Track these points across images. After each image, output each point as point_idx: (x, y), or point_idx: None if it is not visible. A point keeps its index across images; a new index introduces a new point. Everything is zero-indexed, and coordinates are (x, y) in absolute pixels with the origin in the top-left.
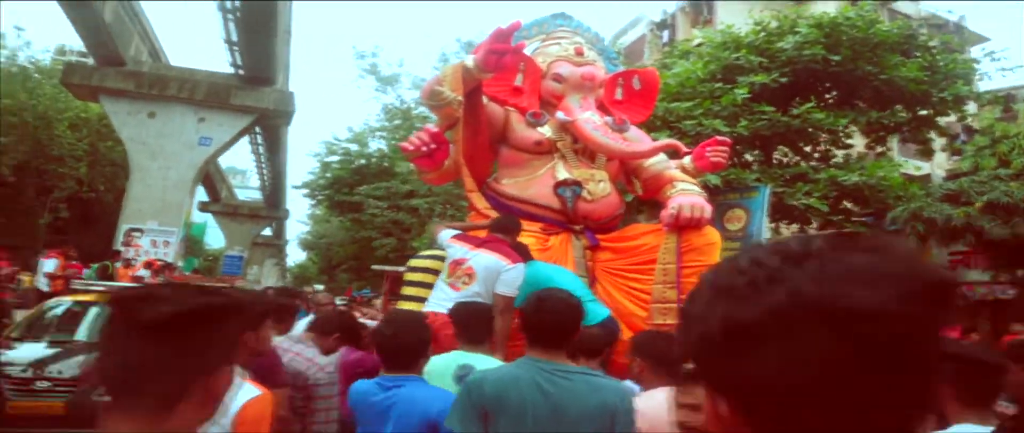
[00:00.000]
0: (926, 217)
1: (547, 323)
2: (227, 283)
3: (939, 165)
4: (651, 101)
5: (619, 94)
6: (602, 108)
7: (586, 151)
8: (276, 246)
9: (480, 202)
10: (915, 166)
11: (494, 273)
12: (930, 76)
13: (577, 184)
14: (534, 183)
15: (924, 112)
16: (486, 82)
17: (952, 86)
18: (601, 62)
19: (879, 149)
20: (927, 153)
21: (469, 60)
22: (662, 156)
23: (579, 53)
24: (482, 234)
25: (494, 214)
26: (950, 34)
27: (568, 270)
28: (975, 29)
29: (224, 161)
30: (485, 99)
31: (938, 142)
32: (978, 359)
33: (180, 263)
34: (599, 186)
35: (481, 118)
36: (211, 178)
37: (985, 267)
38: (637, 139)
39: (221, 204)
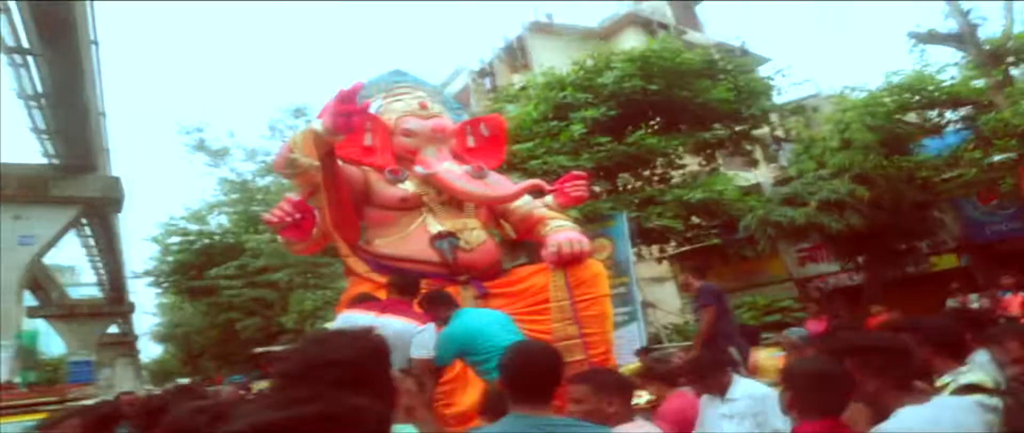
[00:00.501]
0: (773, 221)
1: (532, 375)
2: (79, 392)
3: (762, 174)
4: (501, 145)
5: (470, 141)
6: (457, 157)
7: (453, 201)
8: (127, 344)
9: (359, 266)
10: (744, 178)
11: (405, 338)
12: (737, 95)
13: (452, 235)
14: (408, 240)
15: (740, 128)
16: (337, 145)
17: (756, 102)
18: (446, 113)
19: (710, 166)
20: (751, 163)
21: (317, 124)
22: (527, 197)
23: (424, 107)
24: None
25: (376, 277)
26: (740, 58)
27: (495, 312)
28: (757, 52)
29: (49, 259)
30: (340, 162)
31: (759, 153)
32: (901, 346)
33: (16, 379)
34: (473, 234)
35: (340, 181)
36: (38, 279)
37: (832, 258)
38: (499, 183)
39: (54, 306)
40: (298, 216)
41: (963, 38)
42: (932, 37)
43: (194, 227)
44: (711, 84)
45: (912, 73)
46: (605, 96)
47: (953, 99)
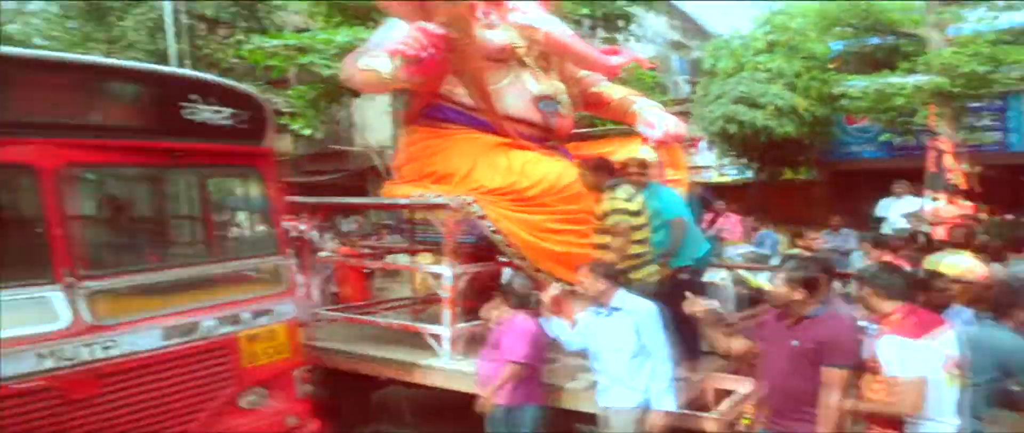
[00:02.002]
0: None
1: None
2: None
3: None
4: None
5: None
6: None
7: (543, 59)
8: None
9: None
10: None
11: None
12: None
13: (552, 98)
14: (503, 96)
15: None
16: None
17: None
18: None
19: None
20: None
21: None
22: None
23: None
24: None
25: (450, 128)
26: None
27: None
28: None
29: None
30: None
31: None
32: None
33: None
34: (565, 98)
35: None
36: None
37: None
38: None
39: None
40: (432, 52)
41: None
42: None
43: None
44: None
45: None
46: None
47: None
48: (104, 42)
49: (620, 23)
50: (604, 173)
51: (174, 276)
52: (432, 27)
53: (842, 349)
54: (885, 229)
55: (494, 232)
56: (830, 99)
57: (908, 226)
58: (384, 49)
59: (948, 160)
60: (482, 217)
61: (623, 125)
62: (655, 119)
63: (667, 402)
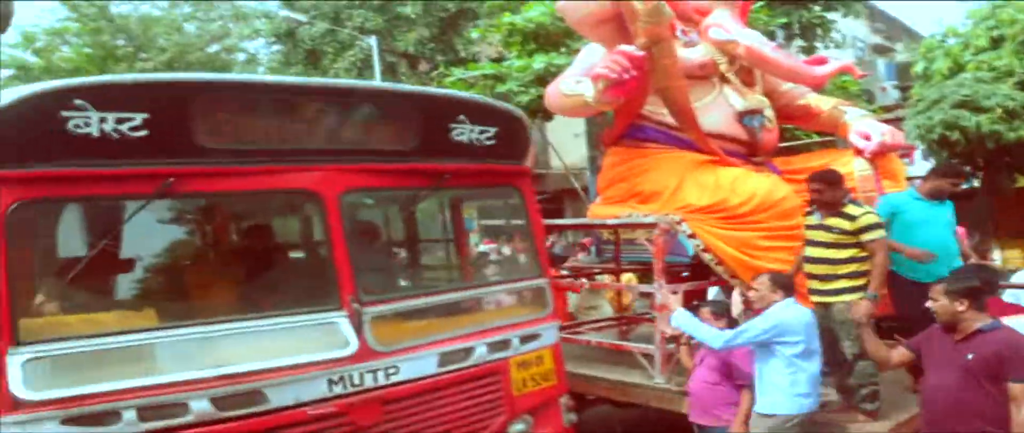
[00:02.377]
0: (959, 125)
1: None
2: None
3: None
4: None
5: None
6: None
7: (744, 73)
8: None
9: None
10: None
11: None
12: None
13: (759, 112)
14: (707, 112)
15: (836, 12)
16: None
17: None
18: None
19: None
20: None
21: None
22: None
23: None
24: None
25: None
26: None
27: None
28: None
29: None
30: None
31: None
32: None
33: None
34: (769, 112)
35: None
36: None
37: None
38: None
39: None
40: (634, 74)
41: None
42: None
43: (34, 60)
44: None
45: None
46: None
47: None
48: None
49: (818, 31)
50: (841, 187)
51: (446, 300)
52: (632, 49)
53: None
54: None
55: (703, 250)
56: None
57: None
58: (587, 74)
59: None
60: (691, 236)
61: (831, 136)
62: (869, 129)
63: None
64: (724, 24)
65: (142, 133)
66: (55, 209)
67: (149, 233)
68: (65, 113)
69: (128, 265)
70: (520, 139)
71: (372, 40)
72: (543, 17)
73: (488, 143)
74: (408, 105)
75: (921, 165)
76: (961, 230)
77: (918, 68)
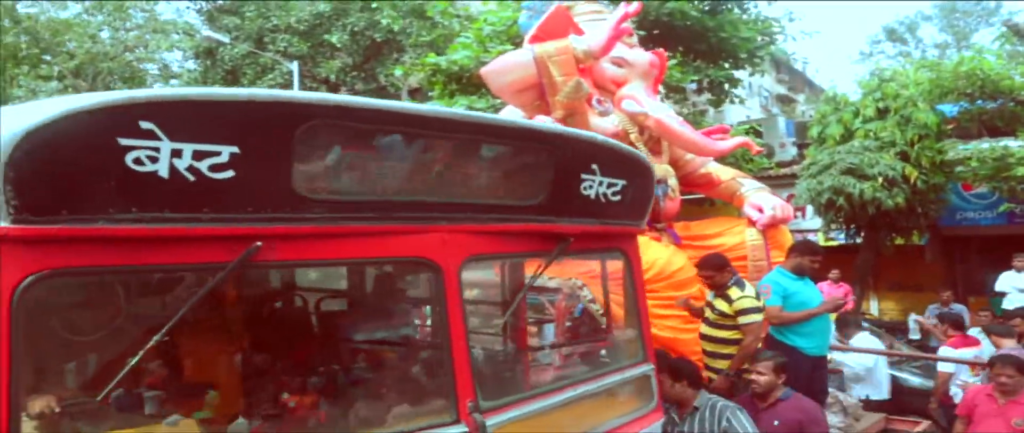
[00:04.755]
0: (845, 191)
1: None
2: None
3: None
4: (661, 78)
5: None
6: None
7: (652, 143)
8: None
9: None
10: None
11: None
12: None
13: (663, 181)
14: None
15: (743, 70)
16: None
17: (766, 46)
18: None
19: (718, 109)
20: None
21: (580, 43)
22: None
23: (630, 33)
24: None
25: None
26: None
27: None
28: None
29: None
30: None
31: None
32: None
33: None
34: (673, 181)
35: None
36: None
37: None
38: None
39: None
40: None
41: None
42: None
43: None
44: (740, 17)
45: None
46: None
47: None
48: None
49: (726, 86)
50: (728, 271)
51: (562, 399)
52: (550, 120)
53: None
54: (1007, 304)
55: (602, 315)
56: (945, 166)
57: None
58: None
59: None
60: (592, 301)
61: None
62: (762, 202)
63: None
64: (637, 96)
65: (226, 175)
66: (92, 285)
67: (211, 320)
68: (125, 141)
69: (184, 361)
70: (645, 196)
71: (293, 65)
72: (467, 61)
73: (614, 199)
74: (544, 147)
75: (813, 220)
76: (846, 287)
77: (814, 132)
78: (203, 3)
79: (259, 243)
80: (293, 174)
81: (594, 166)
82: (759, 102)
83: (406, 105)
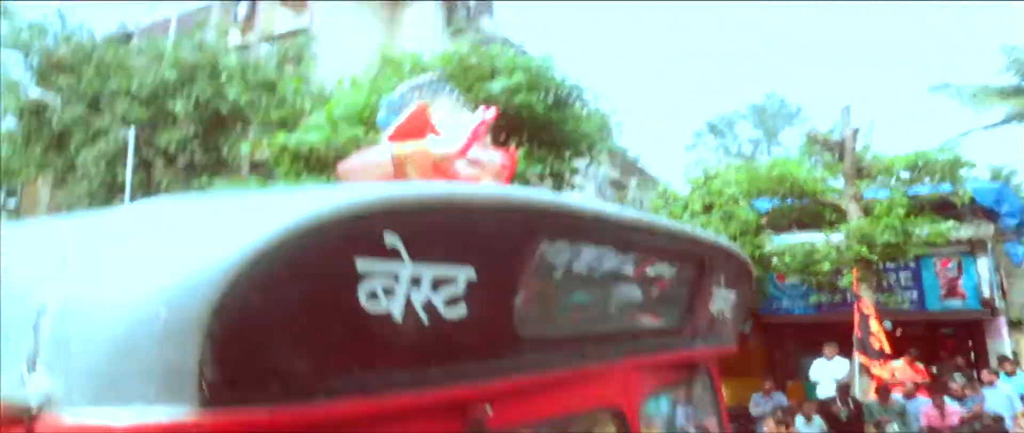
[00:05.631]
0: None
1: None
2: None
3: None
4: None
5: None
6: None
7: None
8: None
9: None
10: None
11: None
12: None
13: None
14: None
15: (583, 159)
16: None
17: (602, 140)
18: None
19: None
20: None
21: (437, 146)
22: None
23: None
24: None
25: None
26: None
27: None
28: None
29: None
30: None
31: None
32: None
33: None
34: None
35: None
36: None
37: None
38: None
39: None
40: None
41: (843, 148)
42: (823, 142)
43: None
44: (582, 111)
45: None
46: (481, 103)
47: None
48: (61, 170)
49: (566, 175)
50: None
51: None
52: None
53: None
54: (819, 393)
55: None
56: (763, 260)
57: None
58: None
59: (873, 324)
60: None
61: None
62: None
63: None
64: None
65: (459, 312)
66: None
67: None
68: (364, 265)
69: None
70: (745, 308)
71: (130, 131)
72: (318, 141)
73: (728, 315)
74: (698, 256)
75: None
76: None
77: None
78: (36, 58)
79: (488, 408)
80: (516, 307)
81: (721, 276)
82: (594, 187)
83: (632, 212)
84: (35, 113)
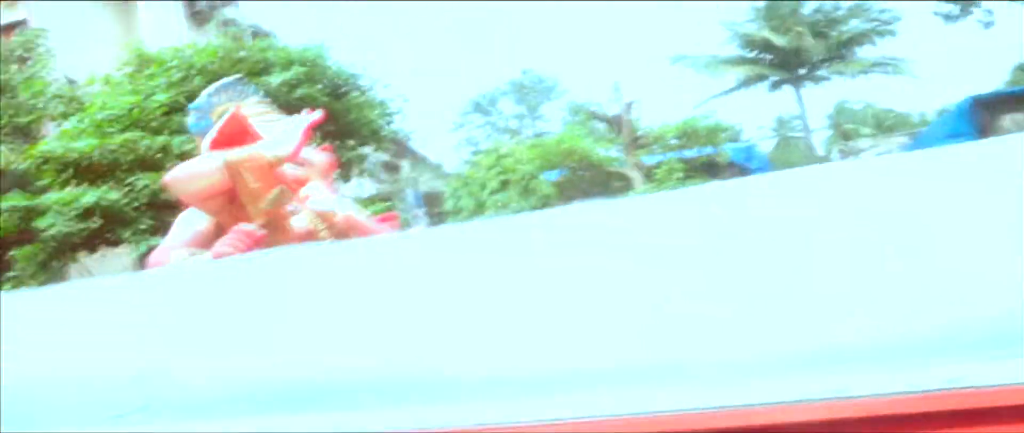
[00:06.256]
0: None
1: None
2: None
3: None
4: None
5: None
6: None
7: (342, 237)
8: None
9: None
10: None
11: None
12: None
13: None
14: None
15: (367, 148)
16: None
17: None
18: None
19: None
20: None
21: (269, 149)
22: None
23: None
24: None
25: None
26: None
27: None
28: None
29: None
30: None
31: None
32: None
33: None
34: None
35: None
36: None
37: None
38: None
39: None
40: (253, 249)
41: (619, 121)
42: (598, 115)
43: None
44: (362, 98)
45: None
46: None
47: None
48: None
49: (354, 164)
50: None
51: None
52: (253, 228)
53: None
54: None
55: None
56: None
57: None
58: (194, 246)
59: None
60: None
61: None
62: None
63: None
64: (322, 195)
65: None
66: None
67: None
68: None
69: None
70: None
71: None
72: (90, 148)
73: None
74: None
75: None
76: None
77: (449, 205)
78: None
79: None
80: None
81: None
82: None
83: None
84: None
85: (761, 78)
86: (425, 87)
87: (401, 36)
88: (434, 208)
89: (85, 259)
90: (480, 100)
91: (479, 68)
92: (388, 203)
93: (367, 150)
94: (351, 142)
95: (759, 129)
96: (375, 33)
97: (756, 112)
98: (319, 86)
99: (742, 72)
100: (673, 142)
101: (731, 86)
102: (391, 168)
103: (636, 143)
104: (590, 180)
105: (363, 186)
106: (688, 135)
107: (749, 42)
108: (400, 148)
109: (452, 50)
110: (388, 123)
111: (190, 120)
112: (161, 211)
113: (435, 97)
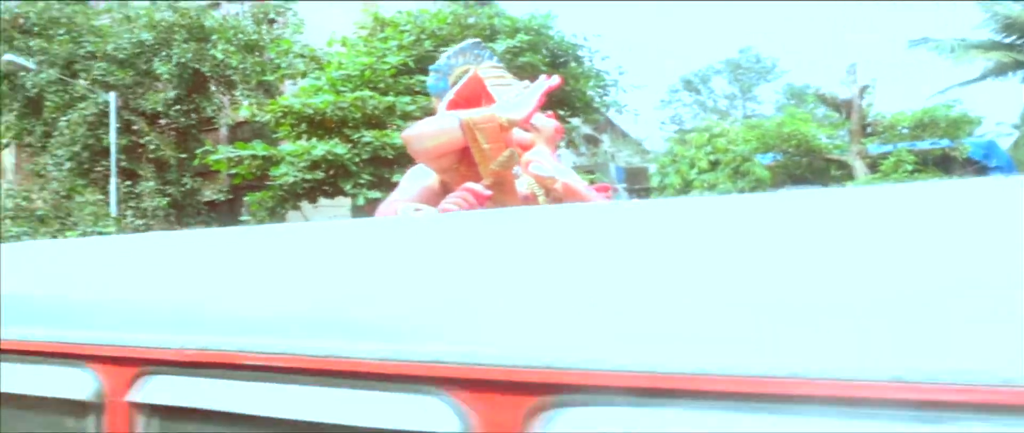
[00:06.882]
0: None
1: None
2: None
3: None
4: None
5: None
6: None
7: (553, 200)
8: None
9: None
10: None
11: None
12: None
13: None
14: None
15: (578, 119)
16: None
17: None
18: None
19: None
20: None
21: (504, 112)
22: None
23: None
24: None
25: None
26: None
27: None
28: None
29: None
30: None
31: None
32: None
33: None
34: None
35: None
36: None
37: None
38: None
39: None
40: (478, 208)
41: (850, 106)
42: (825, 100)
43: None
44: (579, 69)
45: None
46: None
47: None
48: (39, 135)
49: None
50: None
51: None
52: (480, 188)
53: None
54: None
55: None
56: None
57: None
58: (436, 207)
59: None
60: None
61: None
62: None
63: None
64: (544, 161)
65: None
66: None
67: None
68: None
69: None
70: None
71: (111, 96)
72: (325, 104)
73: None
74: None
75: None
76: None
77: (655, 182)
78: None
79: None
80: None
81: None
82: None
83: None
84: (6, 78)
85: (1018, 66)
86: (633, 62)
87: (615, 8)
88: (634, 184)
89: (305, 208)
90: (692, 78)
91: (691, 45)
92: (592, 175)
93: (576, 121)
94: (561, 112)
95: (998, 125)
96: (590, 3)
97: (997, 105)
98: (540, 54)
99: (994, 58)
100: (904, 132)
101: (976, 75)
102: (592, 141)
103: (864, 130)
104: (807, 166)
105: (564, 158)
106: (925, 125)
107: (1008, 26)
108: (603, 122)
109: (665, 26)
110: (603, 95)
111: (429, 80)
112: (380, 166)
113: (642, 72)
